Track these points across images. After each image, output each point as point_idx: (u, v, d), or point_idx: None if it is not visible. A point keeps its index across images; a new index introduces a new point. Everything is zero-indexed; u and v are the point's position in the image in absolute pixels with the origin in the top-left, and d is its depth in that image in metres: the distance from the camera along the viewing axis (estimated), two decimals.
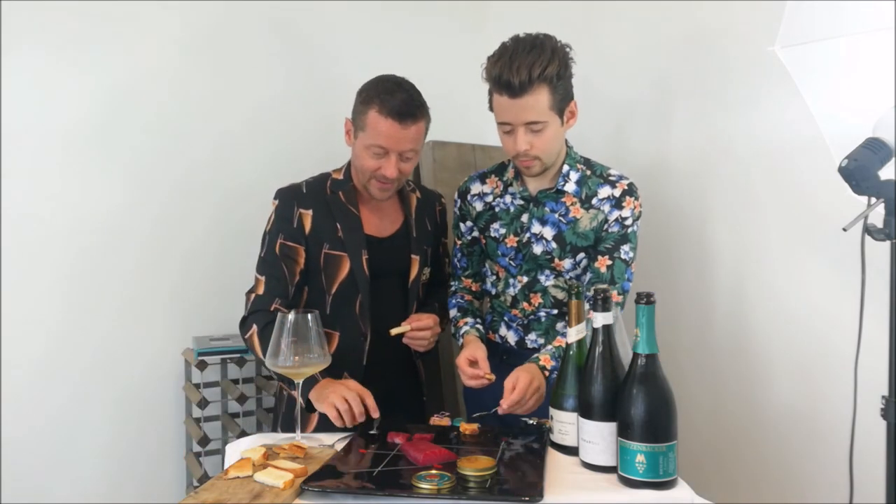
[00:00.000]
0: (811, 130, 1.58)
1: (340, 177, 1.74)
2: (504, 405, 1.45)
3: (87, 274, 2.17)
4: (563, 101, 1.59)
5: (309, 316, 1.38)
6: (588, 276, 1.68)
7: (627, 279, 1.67)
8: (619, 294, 1.62)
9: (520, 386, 1.46)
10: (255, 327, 1.60)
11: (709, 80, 2.03)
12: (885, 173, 1.29)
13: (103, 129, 2.17)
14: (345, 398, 1.42)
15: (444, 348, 2.22)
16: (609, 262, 1.65)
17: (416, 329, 1.65)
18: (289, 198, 1.69)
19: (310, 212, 1.68)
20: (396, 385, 1.74)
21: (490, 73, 1.57)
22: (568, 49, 1.59)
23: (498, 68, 1.54)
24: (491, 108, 1.64)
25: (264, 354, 1.46)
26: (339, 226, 1.68)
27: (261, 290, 1.65)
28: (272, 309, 1.60)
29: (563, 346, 1.53)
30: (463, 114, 2.42)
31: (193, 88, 2.29)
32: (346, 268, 1.67)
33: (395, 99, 1.58)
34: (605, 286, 1.64)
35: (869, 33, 1.40)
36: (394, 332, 1.64)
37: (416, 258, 1.75)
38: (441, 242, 1.89)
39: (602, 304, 1.26)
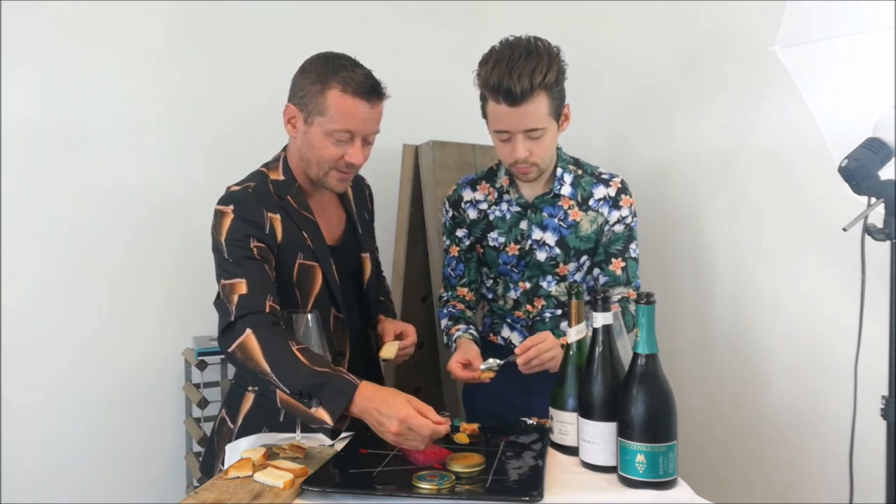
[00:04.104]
0: (811, 130, 1.59)
1: (280, 177, 1.52)
2: (520, 361, 1.48)
3: (87, 273, 2.17)
4: (559, 106, 1.57)
5: (309, 316, 1.35)
6: (603, 279, 1.68)
7: (638, 276, 1.69)
8: (634, 291, 1.63)
9: (536, 339, 1.48)
10: (248, 330, 1.29)
11: (709, 80, 2.03)
12: (885, 173, 1.29)
13: (112, 122, 2.18)
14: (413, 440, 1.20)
15: (445, 349, 2.22)
16: (623, 264, 1.66)
17: (404, 346, 1.53)
18: (253, 202, 1.44)
19: (278, 216, 1.46)
20: None
21: (486, 81, 1.52)
22: (558, 50, 1.56)
23: (496, 76, 1.49)
24: (484, 115, 1.59)
25: (270, 362, 1.25)
26: (305, 234, 1.49)
27: (244, 290, 1.35)
28: (267, 310, 1.33)
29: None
30: (463, 114, 2.41)
31: (193, 86, 2.29)
32: (319, 279, 1.49)
33: (357, 75, 1.42)
34: (605, 287, 1.65)
35: (869, 33, 1.40)
36: (384, 356, 1.49)
37: (366, 256, 1.61)
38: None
39: (602, 304, 1.26)
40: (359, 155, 1.47)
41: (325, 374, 1.23)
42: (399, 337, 1.59)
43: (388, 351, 1.48)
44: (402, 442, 1.19)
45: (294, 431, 1.41)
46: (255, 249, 1.40)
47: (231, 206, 1.44)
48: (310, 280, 1.49)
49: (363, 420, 1.22)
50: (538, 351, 1.47)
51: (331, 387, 1.22)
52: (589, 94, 2.30)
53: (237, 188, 1.48)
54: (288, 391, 1.25)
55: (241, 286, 1.35)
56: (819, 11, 1.46)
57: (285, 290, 1.46)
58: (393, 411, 1.18)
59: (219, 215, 1.45)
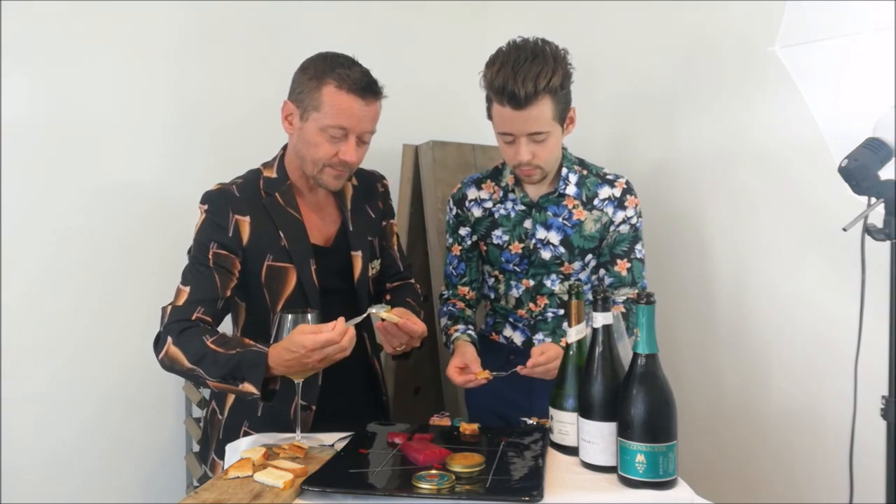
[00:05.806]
0: (811, 130, 1.58)
1: (273, 174, 1.54)
2: (529, 364, 1.47)
3: (87, 271, 2.16)
4: (564, 109, 1.57)
5: (308, 316, 1.35)
6: (608, 280, 1.68)
7: (644, 276, 1.69)
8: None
9: (549, 354, 1.47)
10: (169, 339, 1.37)
11: (709, 80, 2.03)
12: (885, 173, 1.29)
13: (112, 122, 2.17)
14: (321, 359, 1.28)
15: (445, 348, 2.22)
16: (628, 265, 1.67)
17: (402, 327, 1.42)
18: (222, 202, 1.48)
19: (247, 218, 1.48)
20: (356, 396, 1.62)
21: (492, 83, 1.53)
22: (565, 53, 1.56)
23: (501, 79, 1.49)
24: (489, 117, 1.60)
25: (193, 361, 1.34)
26: (281, 234, 1.50)
27: (181, 301, 1.42)
28: (193, 318, 1.40)
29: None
30: (463, 114, 2.42)
31: (194, 86, 2.29)
32: (292, 281, 1.49)
33: (353, 73, 1.44)
34: (608, 288, 1.65)
35: (869, 33, 1.40)
36: (375, 311, 1.40)
37: (357, 254, 1.58)
38: (390, 228, 1.72)
39: (602, 304, 1.26)
40: (352, 153, 1.46)
41: (238, 355, 1.32)
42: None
43: (382, 313, 1.40)
44: (331, 359, 1.28)
45: (281, 429, 1.42)
46: (212, 257, 1.46)
47: (206, 206, 1.50)
48: (280, 281, 1.50)
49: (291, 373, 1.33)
50: (546, 371, 1.48)
51: (245, 364, 1.31)
52: (588, 94, 2.29)
53: (217, 187, 1.53)
54: (216, 380, 1.35)
55: (183, 295, 1.44)
56: (819, 11, 1.46)
57: (255, 290, 1.51)
58: (301, 351, 1.26)
59: (199, 213, 1.52)
